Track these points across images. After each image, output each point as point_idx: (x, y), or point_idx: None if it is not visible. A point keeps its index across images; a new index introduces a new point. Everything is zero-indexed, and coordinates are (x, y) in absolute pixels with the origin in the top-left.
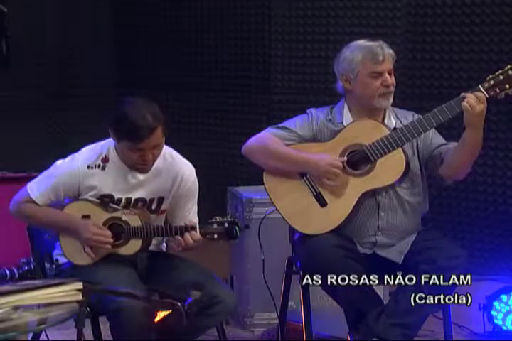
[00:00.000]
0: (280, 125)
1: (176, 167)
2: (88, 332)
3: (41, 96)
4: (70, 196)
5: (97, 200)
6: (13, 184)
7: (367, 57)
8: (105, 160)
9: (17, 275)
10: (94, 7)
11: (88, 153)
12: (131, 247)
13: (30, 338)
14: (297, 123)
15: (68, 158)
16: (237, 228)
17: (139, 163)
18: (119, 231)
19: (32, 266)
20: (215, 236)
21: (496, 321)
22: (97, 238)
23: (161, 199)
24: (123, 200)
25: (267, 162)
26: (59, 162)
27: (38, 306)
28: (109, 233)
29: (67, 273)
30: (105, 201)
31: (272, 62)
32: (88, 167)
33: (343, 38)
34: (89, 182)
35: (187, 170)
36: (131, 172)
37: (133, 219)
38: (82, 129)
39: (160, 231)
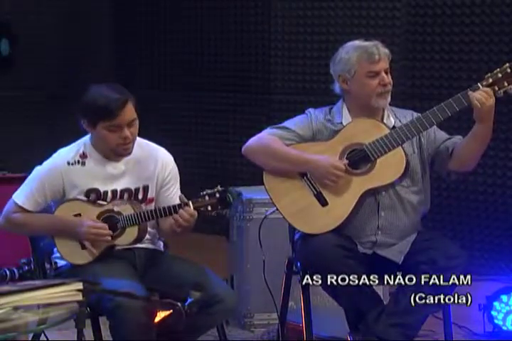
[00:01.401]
0: (280, 125)
1: (154, 153)
2: (88, 332)
3: (41, 97)
4: (57, 197)
5: (84, 198)
6: (13, 184)
7: (363, 57)
8: (83, 156)
9: (17, 276)
10: (94, 7)
11: (66, 151)
12: (129, 236)
13: (30, 338)
14: (297, 123)
15: (46, 161)
16: (229, 195)
17: (120, 143)
18: (113, 222)
19: (32, 266)
20: (209, 207)
21: (496, 321)
22: (95, 231)
23: (146, 188)
24: (109, 193)
25: (268, 162)
26: (37, 167)
27: (38, 306)
28: (105, 225)
29: (67, 273)
30: (93, 198)
31: (271, 62)
32: (68, 163)
33: (343, 38)
34: (72, 179)
35: (166, 155)
36: (110, 163)
37: (125, 209)
38: (82, 130)
39: (154, 213)
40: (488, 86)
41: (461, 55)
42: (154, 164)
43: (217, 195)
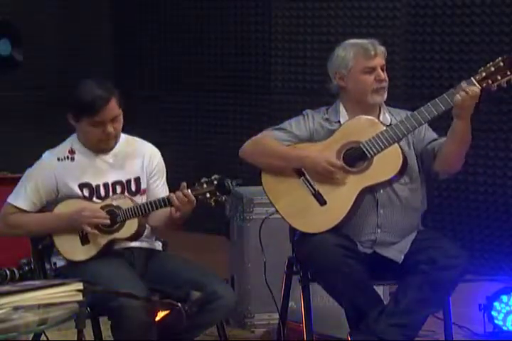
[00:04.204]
0: (277, 126)
1: (141, 147)
2: (88, 332)
3: (41, 97)
4: (52, 196)
5: (79, 193)
6: (14, 184)
7: (359, 52)
8: (71, 151)
9: (17, 276)
10: (94, 7)
11: (54, 149)
12: (128, 229)
13: (30, 338)
14: (293, 124)
15: (36, 162)
16: (228, 181)
17: (103, 138)
18: (113, 216)
19: (32, 267)
20: (207, 195)
21: (496, 321)
22: (91, 213)
23: (137, 179)
24: (101, 187)
25: (262, 160)
26: (28, 169)
27: (39, 306)
28: (99, 208)
29: (66, 273)
30: (86, 193)
31: (272, 62)
32: (58, 159)
33: (343, 38)
34: (64, 175)
35: (152, 149)
36: (99, 157)
37: (123, 202)
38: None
39: (152, 205)
40: (482, 79)
41: (462, 55)
42: (142, 158)
43: (215, 182)
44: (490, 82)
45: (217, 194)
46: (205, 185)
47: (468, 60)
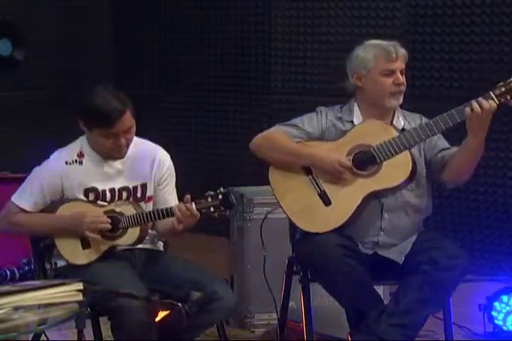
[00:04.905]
0: (288, 122)
1: (151, 151)
2: (89, 332)
3: (41, 97)
4: (56, 197)
5: (85, 198)
6: (14, 184)
7: (380, 54)
8: (80, 155)
9: (17, 276)
10: (94, 7)
11: (63, 151)
12: (131, 236)
13: (30, 338)
14: (306, 121)
15: (45, 162)
16: (232, 195)
17: (114, 148)
18: (115, 222)
19: (32, 266)
20: (211, 209)
21: (496, 321)
22: (93, 219)
23: (144, 186)
24: (107, 192)
25: (273, 155)
26: (36, 168)
27: (39, 306)
28: (103, 214)
29: (66, 273)
30: (92, 197)
31: (272, 62)
32: (66, 163)
33: (343, 38)
34: (71, 179)
35: (162, 153)
36: (107, 162)
37: (127, 209)
38: (81, 130)
39: (155, 214)
40: (500, 95)
41: (461, 55)
42: (151, 162)
43: (220, 197)
44: (508, 97)
45: (222, 208)
46: (209, 199)
47: (468, 60)
